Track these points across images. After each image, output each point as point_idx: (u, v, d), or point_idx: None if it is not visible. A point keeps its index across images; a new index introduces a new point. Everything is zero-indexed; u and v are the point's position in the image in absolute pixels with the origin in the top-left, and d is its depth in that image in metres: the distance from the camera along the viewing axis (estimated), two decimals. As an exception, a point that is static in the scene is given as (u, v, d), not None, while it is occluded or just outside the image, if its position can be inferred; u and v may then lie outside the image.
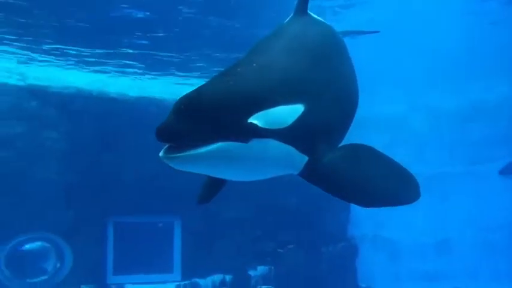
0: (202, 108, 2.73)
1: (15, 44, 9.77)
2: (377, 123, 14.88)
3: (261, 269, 10.20)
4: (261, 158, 2.93)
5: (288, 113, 2.98)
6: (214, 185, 3.72)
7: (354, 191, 3.11)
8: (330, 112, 3.31)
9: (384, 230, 15.47)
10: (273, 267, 10.24)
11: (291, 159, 3.06)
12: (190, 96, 2.79)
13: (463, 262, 14.24)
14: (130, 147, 9.65)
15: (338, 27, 4.33)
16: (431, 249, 15.96)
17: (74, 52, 10.10)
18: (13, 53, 10.12)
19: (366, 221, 13.32)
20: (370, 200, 3.14)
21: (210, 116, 2.73)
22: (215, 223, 9.98)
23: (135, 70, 11.14)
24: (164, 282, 9.72)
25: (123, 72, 11.18)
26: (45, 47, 9.89)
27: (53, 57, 10.32)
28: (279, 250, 10.32)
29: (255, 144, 2.84)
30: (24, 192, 9.19)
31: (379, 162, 3.19)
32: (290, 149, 3.02)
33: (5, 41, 9.67)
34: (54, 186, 9.40)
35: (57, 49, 10.01)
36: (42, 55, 10.24)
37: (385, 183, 3.14)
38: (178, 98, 2.96)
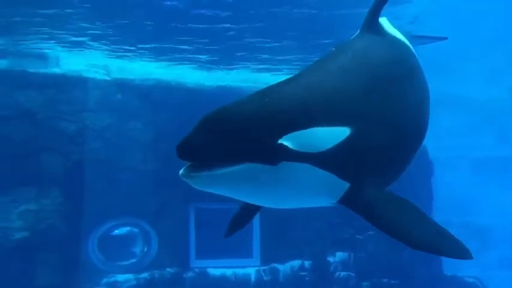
0: (227, 124, 2.51)
1: (101, 41, 10.37)
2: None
3: (340, 255, 10.14)
4: (291, 183, 2.64)
5: (328, 135, 2.68)
6: (246, 215, 3.45)
7: (402, 234, 2.72)
8: (384, 141, 2.94)
9: (472, 216, 14.77)
10: (352, 254, 10.14)
11: (329, 186, 2.76)
12: (217, 111, 2.58)
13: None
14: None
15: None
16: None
17: (151, 46, 10.54)
18: (99, 50, 10.74)
19: (452, 208, 12.79)
20: (420, 247, 2.74)
21: (236, 134, 2.48)
22: (293, 210, 10.03)
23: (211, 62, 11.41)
24: (244, 266, 9.97)
25: (198, 64, 11.49)
26: (127, 43, 10.41)
27: (134, 51, 10.83)
28: (357, 236, 10.19)
29: (284, 167, 2.55)
30: (114, 181, 9.76)
31: (423, 222, 2.78)
32: (328, 176, 2.69)
33: (91, 40, 10.29)
34: (140, 174, 9.90)
35: (137, 45, 10.49)
36: (125, 51, 10.78)
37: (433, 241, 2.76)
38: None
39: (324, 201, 2.92)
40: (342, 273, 9.97)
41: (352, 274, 10.06)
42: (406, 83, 3.37)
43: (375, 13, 3.54)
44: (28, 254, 9.04)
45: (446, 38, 5.33)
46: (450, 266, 10.94)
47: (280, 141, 2.54)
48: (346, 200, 2.81)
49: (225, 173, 2.48)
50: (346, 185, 2.78)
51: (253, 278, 9.88)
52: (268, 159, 2.52)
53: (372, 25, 3.54)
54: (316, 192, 2.80)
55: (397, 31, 3.83)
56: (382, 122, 2.98)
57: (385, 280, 10.13)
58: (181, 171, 2.52)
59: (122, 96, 10.14)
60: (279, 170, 2.55)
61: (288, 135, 2.57)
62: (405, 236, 2.72)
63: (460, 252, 2.73)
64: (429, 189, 11.22)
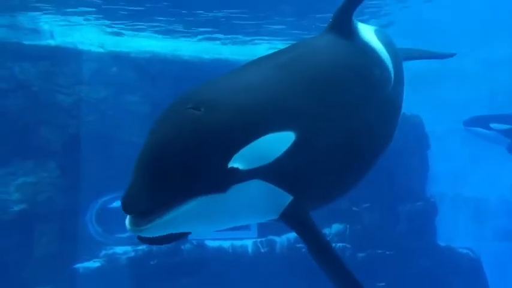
0: (167, 164, 2.21)
1: (94, 15, 10.25)
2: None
3: (336, 227, 10.25)
4: (241, 205, 2.41)
5: (276, 142, 2.39)
6: None
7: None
8: (328, 149, 2.68)
9: (466, 189, 14.90)
10: (348, 226, 10.26)
11: (274, 201, 2.52)
12: (152, 149, 2.31)
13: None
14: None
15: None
16: (519, 208, 15.21)
17: (146, 19, 10.42)
18: (93, 23, 10.62)
19: (446, 180, 12.90)
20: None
21: (179, 172, 2.19)
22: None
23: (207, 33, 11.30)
24: (241, 238, 10.08)
25: (195, 36, 11.38)
26: (120, 16, 10.28)
27: (126, 24, 10.72)
28: (354, 209, 10.29)
29: (235, 190, 2.29)
30: (110, 154, 9.76)
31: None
32: (274, 189, 2.45)
33: (87, 14, 10.17)
34: (137, 147, 9.89)
35: (131, 17, 10.37)
36: (117, 24, 10.66)
37: None
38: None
39: (267, 217, 2.69)
40: (338, 245, 10.09)
41: (348, 245, 10.19)
42: (360, 94, 3.02)
43: (342, 14, 3.21)
44: (27, 226, 9.09)
45: (454, 54, 5.06)
46: (444, 237, 11.10)
47: (229, 166, 2.23)
48: (287, 216, 2.60)
49: (175, 215, 2.23)
50: (288, 198, 2.55)
51: (250, 249, 10.00)
52: (217, 188, 2.24)
53: (337, 26, 3.22)
54: (261, 208, 2.56)
55: (375, 39, 3.53)
56: (326, 130, 2.69)
57: (380, 251, 10.27)
58: (127, 225, 2.27)
59: (117, 69, 10.06)
60: (230, 194, 2.29)
61: (236, 155, 2.25)
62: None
63: None
64: (425, 162, 11.30)
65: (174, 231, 2.40)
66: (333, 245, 11.13)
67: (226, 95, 2.43)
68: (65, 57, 9.76)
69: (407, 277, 9.95)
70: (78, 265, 9.25)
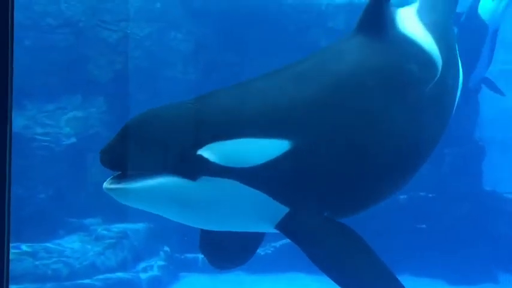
0: (146, 132, 2.38)
1: None
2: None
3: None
4: (214, 202, 2.38)
5: (261, 148, 2.38)
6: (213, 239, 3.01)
7: (335, 270, 2.53)
8: (337, 162, 2.56)
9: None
10: (391, 167, 10.13)
11: (261, 208, 2.42)
12: (140, 117, 2.49)
13: None
14: (254, 48, 9.77)
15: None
16: None
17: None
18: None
19: (497, 123, 12.47)
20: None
21: (153, 142, 2.35)
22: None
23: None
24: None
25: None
26: None
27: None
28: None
29: (206, 183, 2.32)
30: (155, 91, 9.88)
31: (367, 261, 2.57)
32: (259, 195, 2.38)
33: None
34: (180, 83, 9.97)
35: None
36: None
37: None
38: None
39: (260, 225, 2.62)
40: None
41: (390, 187, 10.11)
42: (389, 96, 2.85)
43: (369, 13, 2.94)
44: (78, 157, 9.40)
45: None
46: (491, 182, 10.86)
47: (198, 152, 2.32)
48: (283, 226, 2.50)
49: (142, 185, 2.32)
50: (283, 209, 2.46)
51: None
52: (186, 172, 2.31)
53: (365, 26, 2.97)
54: (247, 214, 2.50)
55: (415, 25, 3.21)
56: (336, 141, 2.61)
57: (422, 194, 10.17)
58: (104, 183, 2.46)
59: (161, 5, 9.99)
60: (200, 185, 2.33)
61: (208, 145, 2.34)
62: (338, 279, 2.54)
63: None
64: (476, 104, 10.96)
65: (145, 206, 2.49)
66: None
67: (225, 98, 2.57)
68: (109, -7, 9.74)
69: (449, 220, 9.87)
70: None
